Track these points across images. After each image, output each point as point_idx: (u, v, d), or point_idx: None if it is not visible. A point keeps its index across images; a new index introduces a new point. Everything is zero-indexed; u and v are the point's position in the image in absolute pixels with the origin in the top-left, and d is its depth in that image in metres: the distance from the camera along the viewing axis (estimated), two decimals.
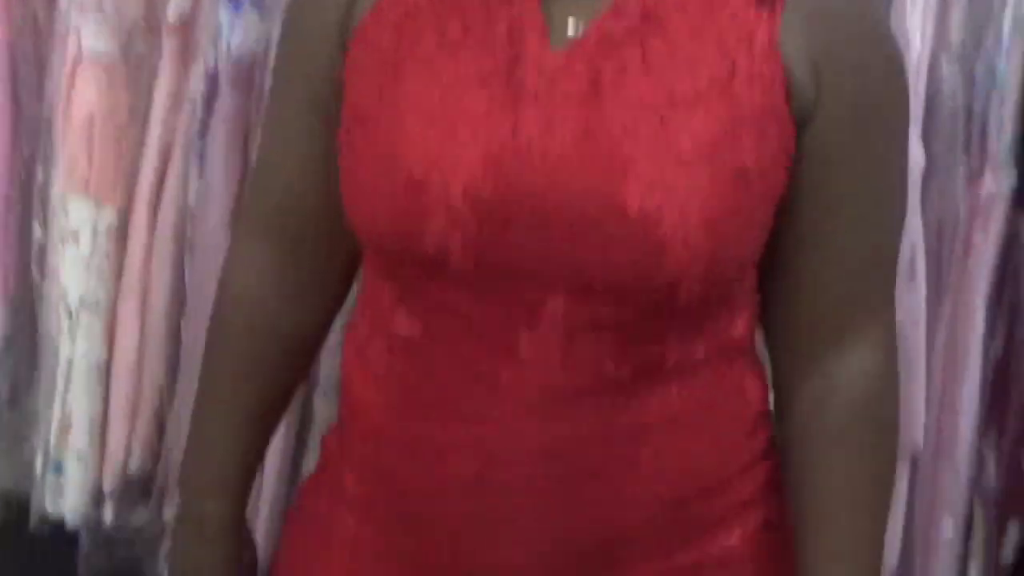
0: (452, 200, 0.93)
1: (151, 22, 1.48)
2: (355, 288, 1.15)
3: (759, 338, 1.04)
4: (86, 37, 1.46)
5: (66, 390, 1.53)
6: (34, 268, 1.55)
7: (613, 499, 1.00)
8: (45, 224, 1.52)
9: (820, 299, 1.01)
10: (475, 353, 0.98)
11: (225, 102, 1.46)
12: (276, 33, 1.36)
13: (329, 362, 1.45)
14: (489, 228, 0.94)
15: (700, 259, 0.93)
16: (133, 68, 1.49)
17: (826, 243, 1.00)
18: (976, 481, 1.36)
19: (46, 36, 1.52)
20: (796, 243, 1.00)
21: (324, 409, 1.48)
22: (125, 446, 1.54)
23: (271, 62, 1.36)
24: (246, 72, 1.45)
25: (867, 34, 0.99)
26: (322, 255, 1.12)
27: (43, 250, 1.53)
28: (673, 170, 0.92)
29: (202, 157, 1.47)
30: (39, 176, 1.52)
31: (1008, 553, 1.40)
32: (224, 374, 1.14)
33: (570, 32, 0.96)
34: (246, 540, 1.18)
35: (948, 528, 1.37)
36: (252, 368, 1.13)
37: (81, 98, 1.48)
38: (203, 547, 1.16)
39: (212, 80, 1.46)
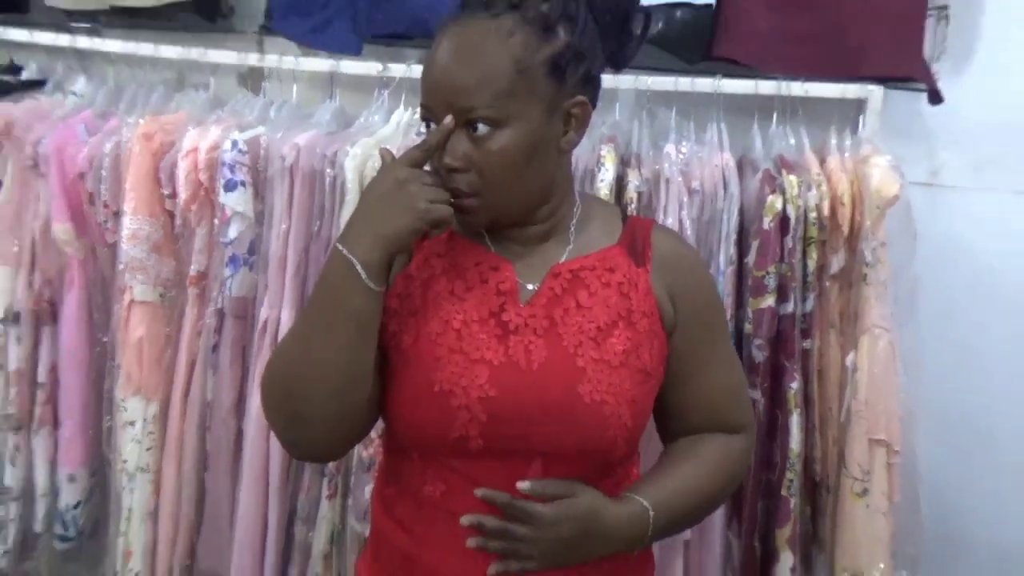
0: (470, 403, 1.17)
1: (179, 278, 1.90)
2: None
3: None
4: (136, 289, 1.89)
5: (127, 529, 1.89)
6: (104, 446, 1.95)
7: None
8: (112, 415, 1.91)
9: (694, 424, 1.31)
10: (481, 505, 1.18)
11: (229, 329, 1.87)
12: (263, 282, 1.83)
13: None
14: (495, 420, 1.17)
15: (626, 428, 1.20)
16: (168, 308, 1.90)
17: (693, 396, 1.30)
18: (726, 559, 1.76)
19: (110, 289, 1.93)
20: (678, 399, 1.29)
21: (302, 533, 1.85)
22: (168, 567, 1.90)
23: (259, 302, 1.83)
24: (242, 308, 1.87)
25: (695, 268, 1.32)
26: (356, 420, 1.24)
27: (110, 433, 1.92)
28: (608, 373, 1.19)
29: (215, 366, 1.87)
30: (106, 383, 1.93)
31: None
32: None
33: (530, 288, 1.23)
34: None
35: None
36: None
37: (133, 330, 1.88)
38: (366, 206, 1.17)
39: (220, 314, 1.87)
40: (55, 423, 2.00)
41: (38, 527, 2.03)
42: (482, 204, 1.19)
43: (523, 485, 1.17)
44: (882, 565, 1.73)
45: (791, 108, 1.88)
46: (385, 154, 1.20)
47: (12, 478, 2.02)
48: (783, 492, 1.75)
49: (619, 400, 1.20)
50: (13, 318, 2.00)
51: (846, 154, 1.84)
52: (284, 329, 1.84)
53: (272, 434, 1.74)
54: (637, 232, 1.30)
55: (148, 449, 1.90)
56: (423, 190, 1.15)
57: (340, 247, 1.15)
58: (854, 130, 1.89)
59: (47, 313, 2.01)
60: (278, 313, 1.85)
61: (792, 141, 1.88)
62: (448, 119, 1.16)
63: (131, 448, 1.89)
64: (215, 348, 1.88)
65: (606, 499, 1.22)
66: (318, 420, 1.19)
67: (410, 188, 1.15)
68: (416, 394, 1.20)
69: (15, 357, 2.00)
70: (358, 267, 1.13)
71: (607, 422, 1.19)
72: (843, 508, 1.75)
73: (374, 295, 1.15)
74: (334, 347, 1.15)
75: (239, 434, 1.86)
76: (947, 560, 2.03)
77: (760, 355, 1.75)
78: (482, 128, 1.15)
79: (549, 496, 1.19)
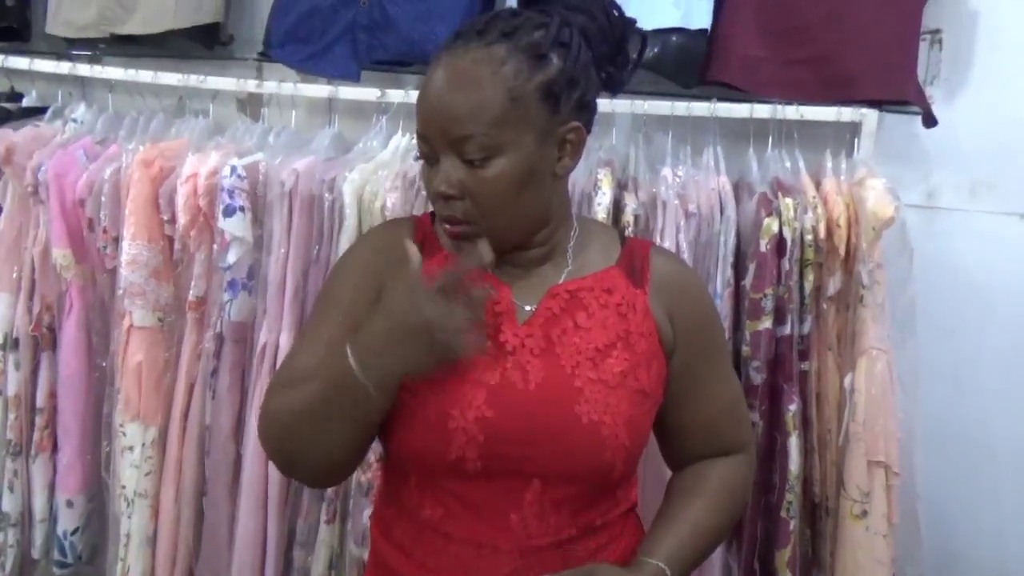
0: (467, 424, 1.17)
1: (178, 303, 1.91)
2: None
3: None
4: (135, 314, 1.90)
5: (126, 554, 1.89)
6: (103, 471, 1.95)
7: None
8: (111, 441, 1.91)
9: (695, 446, 1.32)
10: (478, 528, 1.20)
11: (228, 353, 1.87)
12: (262, 307, 1.84)
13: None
14: (492, 442, 1.17)
15: (624, 449, 1.19)
16: (167, 334, 1.91)
17: (693, 417, 1.30)
18: None
19: (109, 314, 1.94)
20: (678, 420, 1.30)
21: (300, 558, 1.85)
22: None
23: (258, 326, 1.84)
24: (241, 332, 1.88)
25: (694, 290, 1.32)
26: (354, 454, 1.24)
27: (109, 458, 1.92)
28: (605, 394, 1.19)
29: (214, 391, 1.88)
30: (105, 408, 1.94)
31: None
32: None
33: (528, 309, 1.23)
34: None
35: None
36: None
37: (132, 355, 1.89)
38: (387, 333, 1.13)
39: (219, 339, 1.88)
40: (54, 448, 2.00)
41: (36, 553, 2.03)
42: (478, 231, 1.19)
43: None
44: None
45: (787, 132, 1.90)
46: (413, 255, 1.16)
47: (10, 504, 2.02)
48: (782, 514, 1.75)
49: (616, 420, 1.20)
50: (12, 344, 2.00)
51: (842, 177, 1.85)
52: (283, 353, 1.84)
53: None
54: (635, 253, 1.31)
55: (147, 474, 1.91)
56: (455, 338, 1.13)
57: (355, 366, 1.12)
58: (849, 153, 1.90)
59: (46, 339, 2.02)
60: (277, 337, 1.85)
61: (788, 164, 1.89)
62: (486, 253, 1.16)
63: (130, 473, 1.90)
64: (214, 372, 1.89)
65: (626, 570, 1.22)
66: (316, 466, 1.21)
67: (442, 336, 1.12)
68: (412, 417, 1.20)
69: (13, 382, 2.00)
70: (371, 389, 1.13)
71: (604, 443, 1.19)
72: (843, 530, 1.75)
73: (384, 399, 1.16)
74: (336, 431, 1.16)
75: (238, 458, 1.87)
76: None
77: (758, 377, 1.76)
78: (476, 156, 1.16)
79: None
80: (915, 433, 1.80)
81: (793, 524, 1.75)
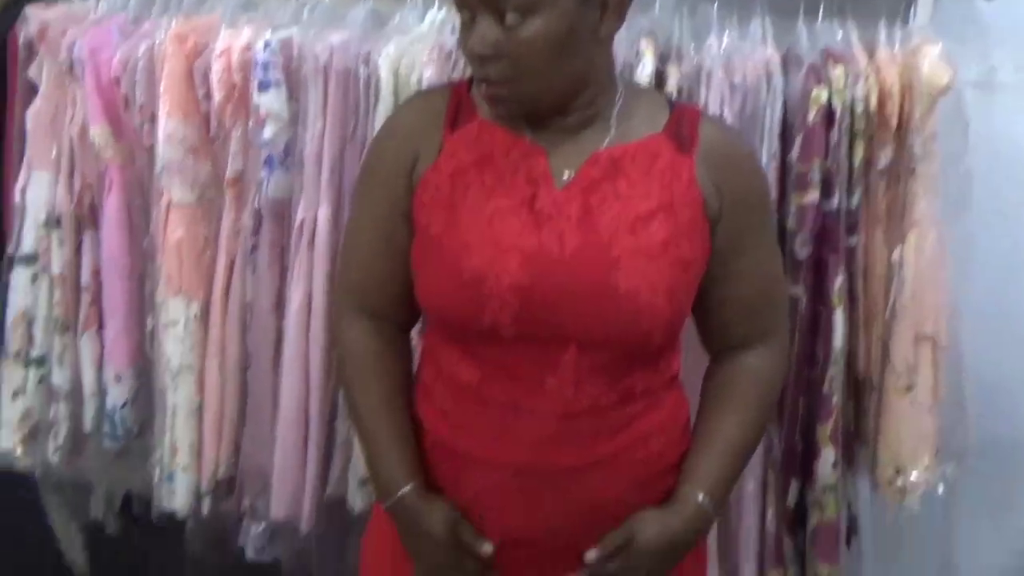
0: (502, 291, 1.18)
1: (216, 180, 1.90)
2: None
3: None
4: (174, 192, 1.89)
5: (173, 426, 1.92)
6: (148, 346, 1.97)
7: (601, 483, 1.24)
8: (154, 316, 1.93)
9: (732, 326, 1.33)
10: (515, 391, 1.22)
11: (267, 230, 1.87)
12: (299, 183, 1.82)
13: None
14: (527, 307, 1.18)
15: (663, 319, 1.21)
16: (206, 210, 1.90)
17: (733, 294, 1.30)
18: (767, 454, 1.75)
19: (148, 192, 1.94)
20: (716, 296, 1.29)
21: (343, 430, 1.88)
22: (214, 460, 1.93)
23: (296, 203, 1.83)
24: (279, 209, 1.87)
25: (744, 160, 1.32)
26: (402, 316, 1.35)
27: (153, 334, 1.95)
28: (644, 263, 1.19)
29: (254, 267, 1.88)
30: (148, 285, 1.95)
31: (791, 501, 1.76)
32: (372, 403, 1.31)
33: (565, 177, 1.23)
34: (436, 499, 1.29)
35: (751, 485, 1.75)
36: (387, 391, 1.32)
37: (172, 232, 1.89)
38: (412, 523, 1.27)
39: (257, 216, 1.87)
40: (100, 325, 2.01)
41: (88, 427, 2.06)
42: (514, 93, 1.19)
43: (589, 555, 1.25)
44: (927, 461, 1.72)
45: (838, 4, 1.81)
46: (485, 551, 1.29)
47: (60, 377, 2.05)
48: (825, 389, 1.73)
49: (656, 290, 1.19)
50: (55, 222, 2.01)
51: (896, 47, 1.77)
52: (321, 230, 1.83)
53: (312, 334, 1.83)
54: (684, 120, 1.29)
55: (191, 348, 1.92)
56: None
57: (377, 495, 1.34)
58: (905, 24, 1.81)
59: (88, 217, 2.01)
60: (315, 213, 1.84)
61: (839, 36, 1.81)
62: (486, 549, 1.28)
63: (173, 348, 1.91)
64: (253, 249, 1.88)
65: (665, 514, 1.27)
66: None
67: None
68: (447, 282, 1.22)
69: (58, 260, 2.01)
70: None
71: (642, 311, 1.19)
72: (887, 404, 1.73)
73: None
74: None
75: (279, 333, 1.87)
76: (994, 459, 2.00)
77: (803, 252, 1.72)
78: (512, 16, 1.14)
79: (615, 551, 1.25)
80: (964, 310, 1.76)
81: (836, 399, 1.73)
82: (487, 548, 1.26)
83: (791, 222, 1.72)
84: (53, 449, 2.08)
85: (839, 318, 1.72)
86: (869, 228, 1.76)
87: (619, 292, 1.18)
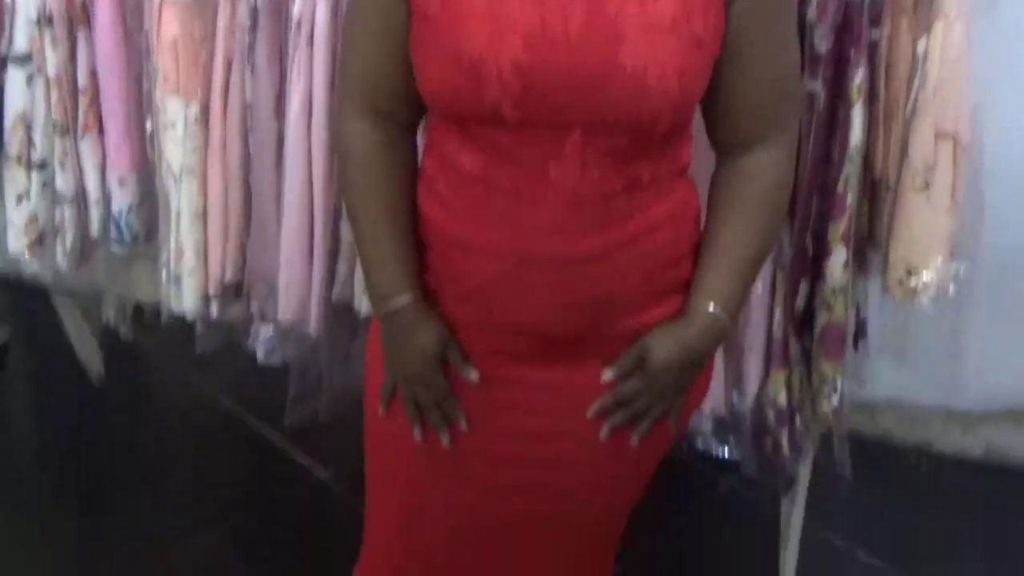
0: (503, 71, 1.13)
1: None
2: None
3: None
4: None
5: (178, 229, 1.92)
6: (149, 148, 1.94)
7: (608, 274, 1.23)
8: (153, 117, 1.90)
9: (741, 118, 1.27)
10: (519, 178, 1.19)
11: (264, 28, 1.80)
12: None
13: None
14: (529, 88, 1.14)
15: (672, 100, 1.15)
16: (201, 6, 1.83)
17: (744, 83, 1.24)
18: (777, 255, 1.73)
19: None
20: (726, 84, 1.23)
21: (348, 233, 1.85)
22: (220, 263, 1.94)
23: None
24: (277, 6, 1.79)
25: None
26: (405, 113, 1.31)
27: (153, 136, 1.92)
28: (653, 39, 1.13)
29: (253, 66, 1.82)
30: (145, 85, 1.90)
31: (800, 303, 1.75)
32: (373, 209, 1.30)
33: None
34: (432, 314, 1.30)
35: (760, 288, 1.74)
36: (389, 196, 1.30)
37: (167, 29, 1.83)
38: (403, 334, 1.29)
39: (254, 12, 1.79)
40: (100, 129, 1.98)
41: (95, 232, 2.06)
42: None
43: (605, 375, 1.28)
44: (940, 262, 1.68)
45: None
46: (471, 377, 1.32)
47: (63, 181, 2.03)
48: (839, 188, 1.68)
49: (665, 69, 1.14)
50: (47, 21, 1.93)
51: None
52: (320, 27, 1.75)
53: (314, 134, 1.79)
54: None
55: (192, 151, 1.89)
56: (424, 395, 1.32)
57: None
58: None
59: (80, 16, 1.94)
60: (312, 9, 1.75)
61: None
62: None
63: (173, 150, 1.88)
64: (251, 47, 1.82)
65: (676, 327, 1.28)
66: None
67: (410, 391, 1.33)
68: (445, 65, 1.17)
69: (52, 62, 1.95)
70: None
71: (650, 91, 1.14)
72: (902, 202, 1.67)
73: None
74: None
75: (281, 134, 1.83)
76: (1008, 266, 1.97)
77: (823, 45, 1.63)
78: None
79: (630, 369, 1.28)
80: (988, 106, 1.68)
81: (851, 198, 1.68)
82: (473, 375, 1.30)
83: (811, 13, 1.63)
84: (62, 255, 2.08)
85: (857, 114, 1.65)
86: (894, 19, 1.65)
87: (625, 71, 1.13)
